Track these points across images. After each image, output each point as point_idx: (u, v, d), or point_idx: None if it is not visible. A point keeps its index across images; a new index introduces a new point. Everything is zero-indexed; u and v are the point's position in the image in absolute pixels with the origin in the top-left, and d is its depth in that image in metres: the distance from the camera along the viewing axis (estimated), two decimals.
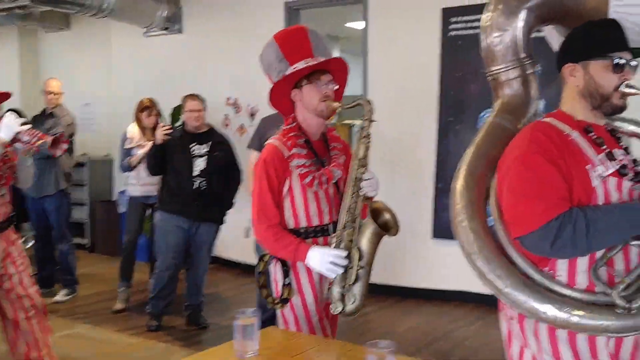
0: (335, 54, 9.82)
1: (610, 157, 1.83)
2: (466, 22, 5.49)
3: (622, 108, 1.90)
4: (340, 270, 2.41)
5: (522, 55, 2.12)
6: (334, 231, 2.53)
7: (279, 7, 6.51)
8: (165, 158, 4.71)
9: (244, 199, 4.71)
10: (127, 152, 5.27)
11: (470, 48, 5.42)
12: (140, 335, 4.77)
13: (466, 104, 5.51)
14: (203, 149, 4.72)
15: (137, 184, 5.37)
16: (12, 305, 3.32)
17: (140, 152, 5.16)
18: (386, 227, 2.49)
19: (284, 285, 2.52)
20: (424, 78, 5.69)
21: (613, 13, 2.00)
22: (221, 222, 4.95)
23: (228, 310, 5.19)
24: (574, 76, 1.90)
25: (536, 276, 1.80)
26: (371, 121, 2.51)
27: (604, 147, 1.85)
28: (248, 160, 4.47)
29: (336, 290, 2.44)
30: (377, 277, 5.66)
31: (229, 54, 6.82)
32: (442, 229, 5.53)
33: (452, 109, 5.58)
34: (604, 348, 1.80)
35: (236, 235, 6.52)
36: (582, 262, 1.79)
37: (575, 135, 1.84)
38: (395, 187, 5.68)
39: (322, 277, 2.52)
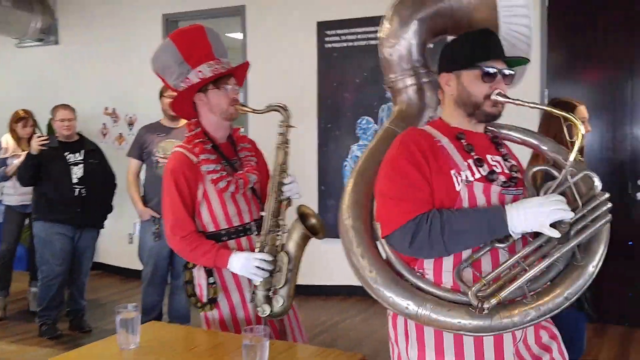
0: None
1: (479, 163, 1.87)
2: (340, 35, 5.82)
3: (496, 115, 1.93)
4: (266, 275, 2.41)
5: (417, 64, 2.21)
6: (257, 229, 2.55)
7: (157, 18, 6.60)
8: (40, 168, 4.70)
9: (125, 205, 4.80)
10: (2, 162, 5.21)
11: (345, 59, 5.75)
12: (19, 342, 4.75)
13: (343, 111, 5.83)
14: (77, 157, 4.81)
15: (15, 193, 5.36)
16: None
17: (16, 161, 5.12)
18: (313, 230, 2.52)
19: (208, 284, 2.50)
20: (302, 87, 5.97)
21: (503, 24, 2.05)
22: (102, 226, 5.03)
23: (111, 315, 5.19)
24: (449, 85, 1.95)
25: (407, 274, 1.84)
26: (289, 127, 2.51)
27: (473, 153, 1.89)
28: (128, 168, 4.57)
29: (261, 294, 2.44)
30: None
31: (107, 65, 6.86)
32: (326, 229, 5.79)
33: (331, 116, 5.89)
34: (470, 347, 1.82)
35: (118, 242, 6.54)
36: (448, 263, 1.82)
37: (445, 142, 1.88)
38: None
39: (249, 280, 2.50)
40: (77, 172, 4.77)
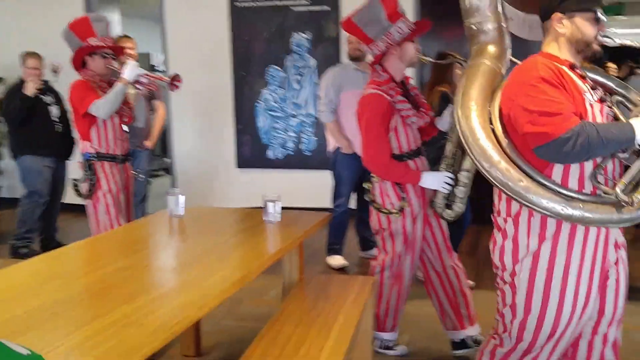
0: (117, 16, 10.55)
1: (593, 87, 2.18)
2: None
3: (600, 53, 2.20)
4: (449, 188, 3.10)
5: (500, 9, 2.46)
6: (422, 153, 3.27)
7: None
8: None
9: None
10: None
11: (255, 17, 6.81)
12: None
13: (253, 61, 6.93)
14: (50, 98, 5.55)
15: None
16: None
17: None
18: None
19: (401, 197, 3.18)
20: (217, 41, 6.97)
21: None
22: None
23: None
24: (561, 24, 2.17)
25: (549, 184, 2.08)
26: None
27: (587, 79, 2.18)
28: None
29: (442, 202, 3.15)
30: (197, 199, 6.82)
31: (28, 15, 7.40)
32: (243, 160, 7.00)
33: (243, 66, 6.97)
34: (594, 234, 2.16)
35: None
36: (575, 171, 2.08)
37: (566, 69, 2.14)
38: (206, 130, 7.03)
39: (423, 192, 3.22)
40: (54, 112, 5.53)
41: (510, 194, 2.11)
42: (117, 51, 3.90)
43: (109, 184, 3.77)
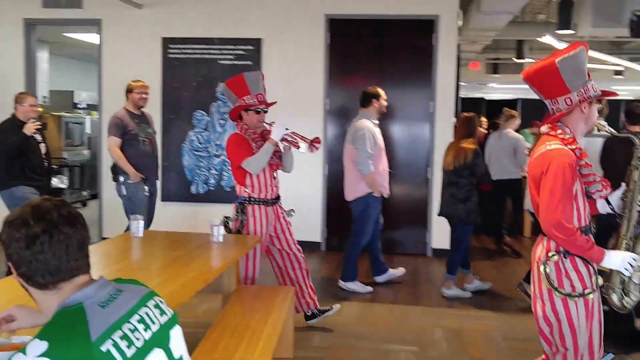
0: (45, 54, 11.07)
1: None
2: (180, 49, 7.74)
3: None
4: (632, 271, 2.71)
5: None
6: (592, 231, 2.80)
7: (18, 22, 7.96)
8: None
9: None
10: None
11: (184, 67, 7.67)
12: None
13: (181, 106, 7.79)
14: (39, 137, 6.05)
15: None
16: None
17: None
18: None
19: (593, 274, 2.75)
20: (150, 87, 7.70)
21: None
22: None
23: None
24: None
25: None
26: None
27: None
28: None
29: (618, 288, 2.77)
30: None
31: None
32: (164, 192, 7.75)
33: (172, 109, 7.81)
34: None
35: None
36: None
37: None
38: None
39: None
40: (42, 149, 6.06)
41: None
42: (268, 106, 4.49)
43: (255, 225, 4.46)
